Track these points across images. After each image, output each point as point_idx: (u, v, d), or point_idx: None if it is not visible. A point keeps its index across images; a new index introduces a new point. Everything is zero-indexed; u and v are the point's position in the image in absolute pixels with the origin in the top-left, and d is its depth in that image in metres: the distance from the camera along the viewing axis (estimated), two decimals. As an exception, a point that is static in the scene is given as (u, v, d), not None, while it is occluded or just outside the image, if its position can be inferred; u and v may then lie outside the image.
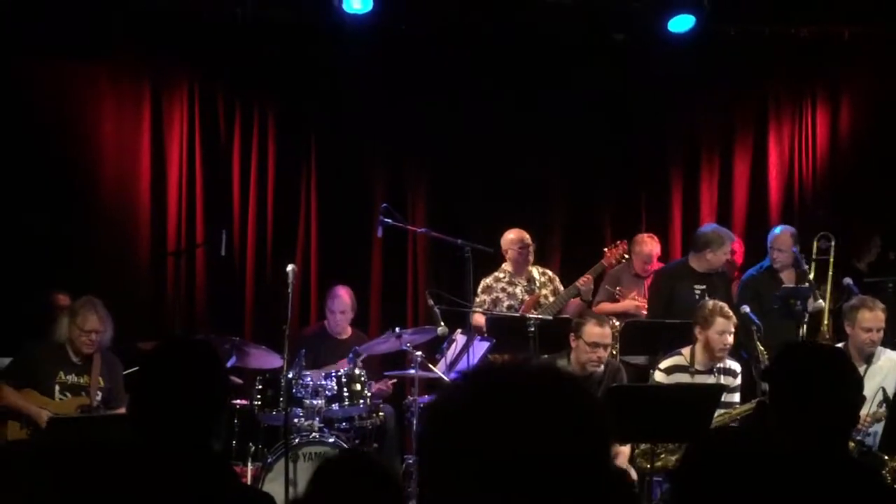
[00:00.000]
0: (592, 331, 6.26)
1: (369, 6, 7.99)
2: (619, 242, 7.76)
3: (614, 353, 7.74)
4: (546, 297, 7.64)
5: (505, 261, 7.78)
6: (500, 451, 1.33)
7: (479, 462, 1.33)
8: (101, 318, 6.38)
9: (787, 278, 7.63)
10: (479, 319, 7.43)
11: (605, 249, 7.67)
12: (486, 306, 7.58)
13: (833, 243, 7.66)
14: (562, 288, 7.71)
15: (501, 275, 7.74)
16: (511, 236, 7.76)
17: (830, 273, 7.53)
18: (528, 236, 7.74)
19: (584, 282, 7.47)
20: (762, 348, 6.48)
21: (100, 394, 6.40)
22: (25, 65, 8.13)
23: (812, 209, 9.10)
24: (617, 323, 7.23)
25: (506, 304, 7.62)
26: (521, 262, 7.70)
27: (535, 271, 7.77)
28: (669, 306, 7.48)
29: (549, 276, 7.81)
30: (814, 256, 7.74)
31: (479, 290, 7.67)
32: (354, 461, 2.67)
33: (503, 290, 7.67)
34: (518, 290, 7.66)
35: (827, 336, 7.35)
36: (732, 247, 8.14)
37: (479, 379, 1.44)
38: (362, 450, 6.36)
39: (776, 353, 3.37)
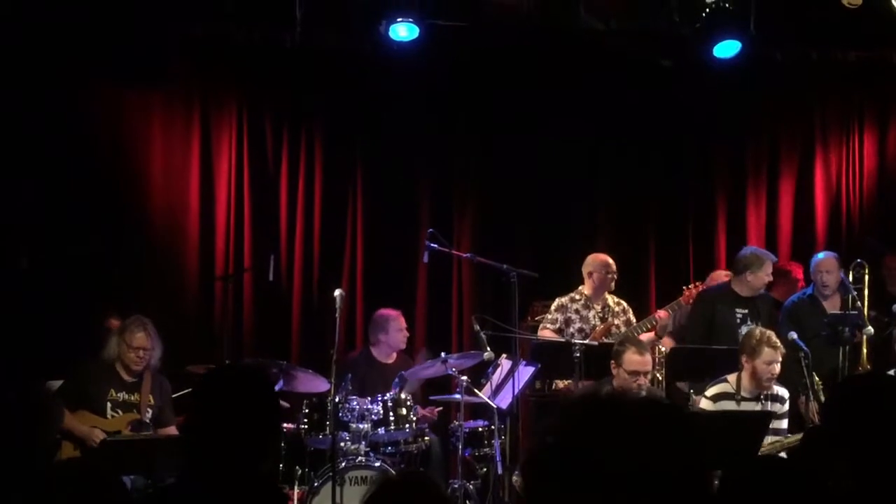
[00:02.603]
0: (632, 359, 6.25)
1: (415, 34, 8.06)
2: (697, 283, 7.80)
3: (660, 378, 7.73)
4: (618, 326, 7.63)
5: (583, 283, 7.77)
6: (614, 466, 1.44)
7: (596, 476, 1.45)
8: (149, 336, 6.50)
9: (830, 305, 7.57)
10: (547, 335, 7.52)
11: (685, 287, 7.69)
12: (558, 324, 7.62)
13: (867, 270, 7.62)
14: (634, 319, 7.71)
15: (577, 296, 7.73)
16: (599, 259, 7.76)
17: (867, 301, 7.47)
18: (614, 263, 7.75)
19: (662, 317, 7.49)
20: (817, 379, 6.44)
21: (150, 411, 6.51)
22: (81, 91, 8.28)
23: (859, 235, 9.02)
24: (663, 349, 7.20)
25: (577, 326, 7.63)
26: (603, 287, 7.69)
27: (611, 300, 7.76)
28: (710, 329, 7.46)
29: (624, 307, 7.79)
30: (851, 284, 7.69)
31: (553, 307, 7.71)
32: (414, 483, 2.69)
33: (577, 312, 7.68)
34: (591, 314, 7.67)
35: (867, 366, 7.28)
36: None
37: (593, 404, 1.55)
38: (421, 471, 6.38)
39: (838, 382, 3.30)
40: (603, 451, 1.45)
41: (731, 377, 6.39)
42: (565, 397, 7.14)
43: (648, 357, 6.34)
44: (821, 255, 7.77)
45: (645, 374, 6.27)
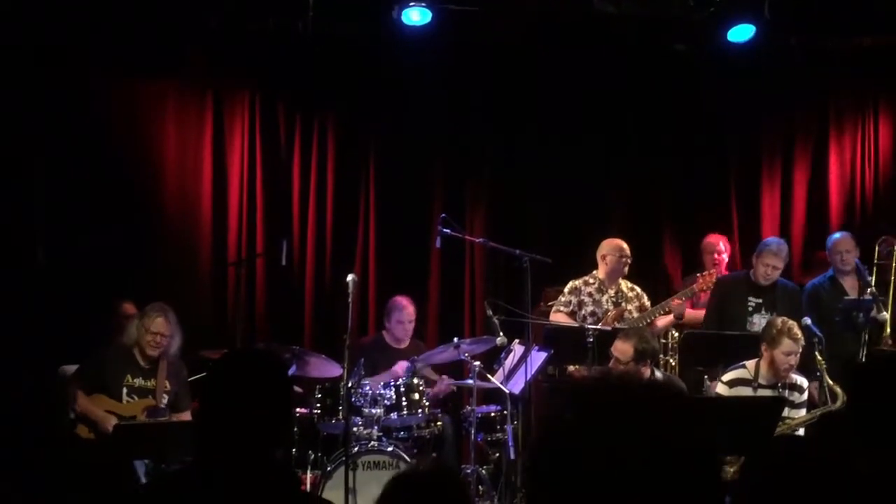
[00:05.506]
0: (615, 344, 6.31)
1: (428, 18, 8.05)
2: (712, 270, 7.74)
3: (673, 363, 7.71)
4: (631, 312, 7.60)
5: (597, 267, 7.73)
6: (614, 461, 1.36)
7: (594, 472, 1.36)
8: (168, 322, 6.54)
9: (850, 287, 7.53)
10: (560, 318, 7.50)
11: (698, 275, 7.62)
12: (571, 307, 7.61)
13: (894, 248, 7.54)
14: (649, 305, 7.66)
15: (591, 280, 7.69)
16: (613, 244, 7.71)
17: (893, 277, 7.42)
18: (628, 248, 7.73)
19: (677, 304, 7.45)
20: (821, 359, 6.36)
21: (166, 397, 6.54)
22: (94, 80, 8.29)
23: (874, 220, 8.96)
24: (676, 334, 7.15)
25: (589, 309, 7.60)
26: (617, 272, 7.65)
27: (624, 285, 7.72)
28: (722, 315, 7.43)
29: (637, 293, 7.74)
30: (875, 261, 7.65)
31: (567, 290, 7.67)
32: (428, 478, 2.67)
33: (590, 295, 7.65)
34: (604, 298, 7.63)
35: (889, 343, 7.22)
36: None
37: (589, 393, 1.46)
38: (438, 466, 6.37)
39: (852, 364, 3.28)
40: (617, 436, 1.37)
41: (750, 364, 6.34)
42: (575, 380, 7.07)
43: (628, 346, 6.25)
44: (837, 235, 7.71)
45: (621, 361, 6.22)
